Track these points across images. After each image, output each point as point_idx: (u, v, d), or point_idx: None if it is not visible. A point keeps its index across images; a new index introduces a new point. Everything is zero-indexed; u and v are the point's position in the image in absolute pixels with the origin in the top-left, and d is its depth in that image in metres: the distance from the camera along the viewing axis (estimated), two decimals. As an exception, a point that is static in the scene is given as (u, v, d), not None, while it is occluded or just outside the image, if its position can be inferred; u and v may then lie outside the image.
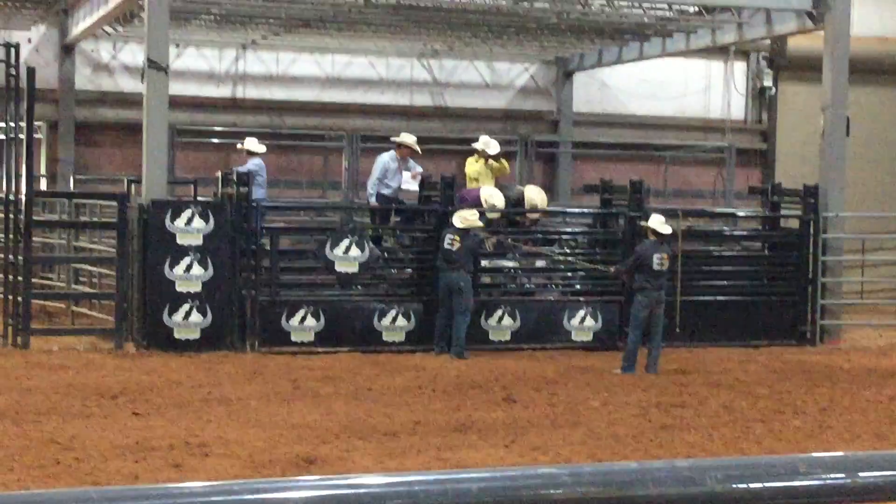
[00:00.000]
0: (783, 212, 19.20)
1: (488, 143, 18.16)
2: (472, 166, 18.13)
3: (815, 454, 3.02)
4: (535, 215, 18.03)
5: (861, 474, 2.98)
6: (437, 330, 16.53)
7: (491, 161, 18.02)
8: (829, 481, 2.99)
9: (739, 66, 26.50)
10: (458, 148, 19.31)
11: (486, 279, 17.85)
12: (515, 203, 17.93)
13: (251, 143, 18.81)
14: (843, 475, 2.98)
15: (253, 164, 18.43)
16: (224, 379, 13.97)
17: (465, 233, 16.35)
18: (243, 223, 16.27)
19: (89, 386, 13.09)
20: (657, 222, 15.39)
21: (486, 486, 2.80)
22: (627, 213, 17.69)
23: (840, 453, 4.00)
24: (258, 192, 18.21)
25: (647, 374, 15.03)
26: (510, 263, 18.34)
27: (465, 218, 16.39)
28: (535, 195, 18.11)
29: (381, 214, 18.24)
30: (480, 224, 16.68)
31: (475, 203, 17.31)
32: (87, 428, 11.01)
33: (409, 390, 13.58)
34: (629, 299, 16.30)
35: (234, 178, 16.46)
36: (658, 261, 15.14)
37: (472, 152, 18.36)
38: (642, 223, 16.30)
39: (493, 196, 17.51)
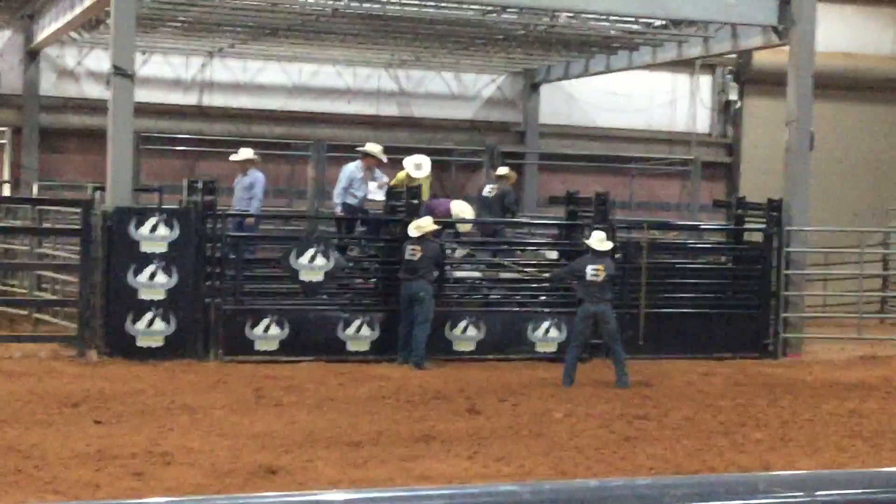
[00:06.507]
0: (747, 225, 19.29)
1: (420, 166, 18.05)
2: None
3: (774, 473, 3.03)
4: (467, 226, 17.94)
5: (819, 493, 3.00)
6: (400, 340, 16.50)
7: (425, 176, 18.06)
8: (788, 500, 3.00)
9: (705, 80, 26.66)
10: (425, 158, 19.26)
11: (450, 290, 17.85)
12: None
13: (248, 153, 18.64)
14: (802, 493, 2.99)
15: (255, 176, 18.34)
16: (187, 387, 13.92)
17: (425, 241, 16.35)
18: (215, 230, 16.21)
19: (51, 393, 13.01)
20: (595, 240, 15.40)
21: (448, 503, 2.81)
22: (593, 224, 17.72)
23: (799, 472, 4.01)
24: (254, 205, 18.15)
25: (616, 388, 14.94)
26: (474, 274, 18.35)
27: (418, 226, 16.38)
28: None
29: (346, 224, 18.24)
30: (435, 227, 16.63)
31: (444, 215, 17.31)
32: (48, 436, 10.95)
33: (373, 400, 13.57)
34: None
35: (200, 185, 16.39)
36: (592, 272, 15.11)
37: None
38: (583, 240, 16.35)
39: (464, 211, 17.55)
